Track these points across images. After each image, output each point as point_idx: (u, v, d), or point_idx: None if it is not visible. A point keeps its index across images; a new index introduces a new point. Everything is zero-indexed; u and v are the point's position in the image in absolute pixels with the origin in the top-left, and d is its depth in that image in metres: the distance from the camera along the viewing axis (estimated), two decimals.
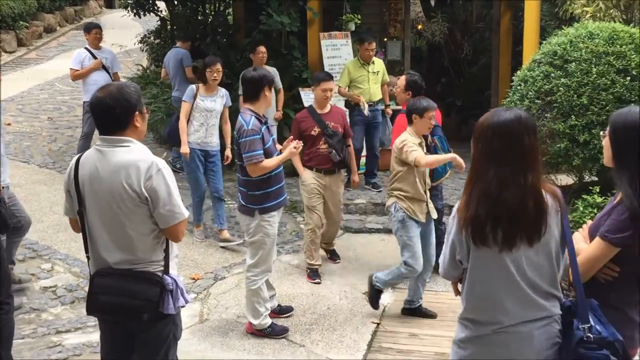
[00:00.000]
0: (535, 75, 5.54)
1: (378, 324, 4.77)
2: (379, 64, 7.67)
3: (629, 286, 2.46)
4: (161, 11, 11.38)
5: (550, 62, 5.50)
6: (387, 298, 5.17)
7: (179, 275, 2.92)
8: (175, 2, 11.00)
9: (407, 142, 4.52)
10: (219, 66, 6.03)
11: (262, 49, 7.52)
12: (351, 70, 7.47)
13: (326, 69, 8.38)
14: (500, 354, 2.33)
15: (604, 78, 5.16)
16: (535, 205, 2.24)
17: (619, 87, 5.11)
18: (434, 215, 4.81)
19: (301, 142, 4.62)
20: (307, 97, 8.16)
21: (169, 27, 11.27)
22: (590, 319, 2.29)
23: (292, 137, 4.86)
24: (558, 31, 5.91)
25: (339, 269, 5.79)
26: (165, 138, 6.84)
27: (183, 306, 2.85)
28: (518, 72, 5.96)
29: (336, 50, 8.54)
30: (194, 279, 5.49)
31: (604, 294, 2.46)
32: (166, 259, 2.81)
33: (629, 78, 5.14)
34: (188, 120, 5.98)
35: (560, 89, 5.30)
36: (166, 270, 2.81)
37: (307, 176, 5.46)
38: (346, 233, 6.73)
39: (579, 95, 5.22)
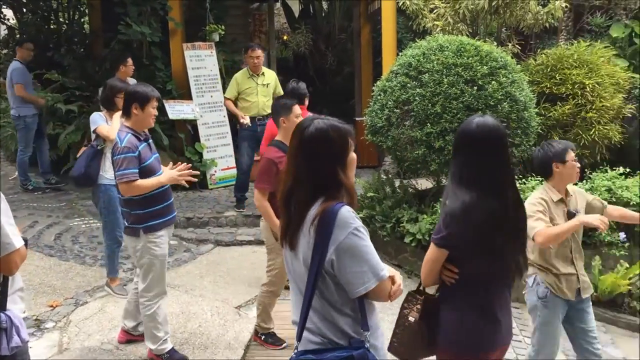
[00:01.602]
0: (393, 86, 5.81)
1: (251, 338, 4.72)
2: (269, 76, 7.24)
3: (469, 288, 2.53)
4: (8, 19, 10.57)
5: (406, 73, 5.80)
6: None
7: (27, 308, 2.67)
8: (24, 10, 10.26)
9: (533, 208, 3.39)
10: None
11: (131, 60, 7.03)
12: (239, 81, 7.08)
13: (191, 80, 8.23)
14: None
15: (454, 88, 5.52)
16: (294, 210, 2.24)
17: (467, 96, 5.48)
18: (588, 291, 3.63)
19: (189, 165, 4.18)
20: (172, 109, 7.95)
21: (17, 36, 10.48)
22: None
23: (262, 180, 4.14)
24: (412, 44, 6.24)
25: (210, 284, 5.67)
26: (78, 179, 5.24)
27: (19, 346, 2.58)
28: (378, 83, 6.22)
29: (201, 61, 8.40)
30: (52, 306, 5.10)
31: (452, 296, 2.57)
32: (3, 294, 2.56)
33: (475, 88, 5.53)
34: (104, 155, 5.10)
35: (416, 98, 5.59)
36: (2, 307, 2.55)
37: None
38: (217, 247, 6.62)
39: (433, 104, 5.53)
